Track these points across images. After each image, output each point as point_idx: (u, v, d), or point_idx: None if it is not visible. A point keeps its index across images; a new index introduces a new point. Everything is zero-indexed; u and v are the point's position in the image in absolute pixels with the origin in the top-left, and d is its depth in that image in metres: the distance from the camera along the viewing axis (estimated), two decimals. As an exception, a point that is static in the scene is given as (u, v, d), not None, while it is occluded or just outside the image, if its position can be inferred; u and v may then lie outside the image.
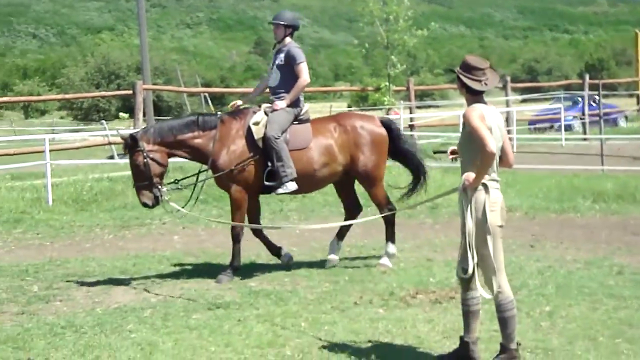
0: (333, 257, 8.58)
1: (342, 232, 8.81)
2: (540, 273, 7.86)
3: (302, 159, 8.16)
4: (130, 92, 17.41)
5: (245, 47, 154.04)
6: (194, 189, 8.27)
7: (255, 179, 8.07)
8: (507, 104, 24.66)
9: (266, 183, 8.07)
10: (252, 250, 9.14)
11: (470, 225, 5.08)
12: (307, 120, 8.43)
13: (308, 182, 8.28)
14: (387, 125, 8.76)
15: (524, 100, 39.16)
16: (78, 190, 13.67)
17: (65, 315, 6.83)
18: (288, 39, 8.46)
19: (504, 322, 5.16)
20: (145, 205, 7.87)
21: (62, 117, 57.64)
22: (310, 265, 8.57)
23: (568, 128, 27.59)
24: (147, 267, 8.76)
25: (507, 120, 23.32)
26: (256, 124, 8.04)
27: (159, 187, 7.82)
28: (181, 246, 9.96)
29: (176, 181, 8.25)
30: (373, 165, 8.49)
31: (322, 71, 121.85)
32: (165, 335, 6.15)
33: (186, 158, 8.31)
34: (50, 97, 35.04)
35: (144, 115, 17.47)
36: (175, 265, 8.84)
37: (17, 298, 7.49)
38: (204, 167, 8.20)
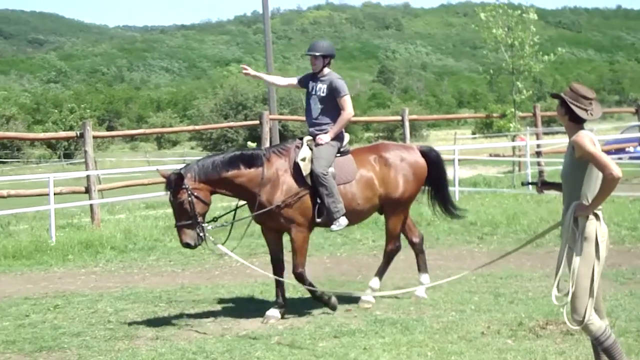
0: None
1: (422, 266, 8.68)
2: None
3: (347, 193, 7.93)
4: (257, 122, 17.84)
5: (369, 76, 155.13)
6: (231, 228, 8.06)
7: (307, 215, 7.83)
8: (641, 129, 23.73)
9: (317, 220, 7.83)
10: (377, 279, 9.12)
11: (577, 254, 4.97)
12: (347, 152, 8.20)
13: (352, 217, 8.00)
14: (427, 153, 8.56)
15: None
16: (208, 218, 14.05)
17: (197, 341, 7.02)
18: (327, 69, 8.22)
19: (609, 352, 5.03)
20: (187, 245, 7.53)
21: (192, 148, 59.61)
22: (436, 293, 8.48)
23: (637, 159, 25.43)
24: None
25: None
26: (303, 159, 7.79)
27: (203, 226, 7.53)
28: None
29: (215, 219, 7.97)
30: (406, 198, 8.29)
31: (445, 98, 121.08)
32: (292, 362, 6.22)
33: (229, 195, 8.03)
34: (182, 128, 36.35)
35: (270, 144, 17.84)
36: (301, 292, 8.94)
37: (151, 323, 7.77)
38: (241, 202, 8.03)
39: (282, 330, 7.29)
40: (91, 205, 14.47)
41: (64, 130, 49.59)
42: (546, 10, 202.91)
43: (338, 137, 8.09)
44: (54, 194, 13.47)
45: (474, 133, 52.95)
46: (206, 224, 7.61)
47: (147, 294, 9.15)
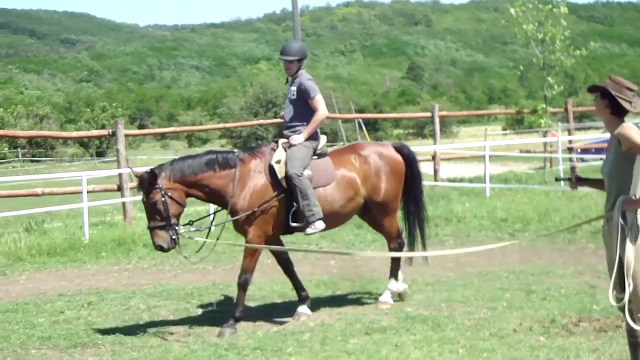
0: (387, 299, 8.07)
1: (394, 271, 8.30)
2: None
3: (327, 195, 7.70)
4: (287, 120, 17.86)
5: (398, 73, 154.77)
6: (208, 232, 7.76)
7: (277, 220, 7.60)
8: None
9: (292, 224, 7.60)
10: (408, 276, 9.13)
11: (629, 250, 4.85)
12: (324, 154, 7.96)
13: (334, 219, 7.84)
14: (400, 149, 8.36)
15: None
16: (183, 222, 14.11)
17: (228, 338, 7.07)
18: (300, 71, 8.00)
19: None
20: (160, 248, 7.28)
21: (222, 145, 59.91)
22: (467, 290, 8.46)
23: None
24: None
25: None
26: (278, 162, 7.57)
27: (176, 228, 7.28)
28: (337, 271, 10.08)
29: (190, 222, 7.67)
30: (392, 195, 8.09)
31: (475, 94, 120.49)
32: (324, 359, 6.24)
33: (201, 199, 7.68)
34: (212, 126, 36.43)
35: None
36: (332, 289, 8.97)
37: (183, 320, 7.83)
38: (219, 207, 7.75)
39: (313, 326, 7.31)
40: (123, 203, 14.60)
41: (96, 129, 50.16)
42: (577, 5, 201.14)
43: (313, 138, 7.87)
44: (87, 192, 13.62)
45: (504, 129, 52.65)
46: (179, 227, 7.35)
47: (179, 290, 9.22)
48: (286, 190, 7.55)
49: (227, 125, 27.06)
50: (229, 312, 7.97)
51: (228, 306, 8.29)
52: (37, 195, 14.04)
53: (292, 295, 8.64)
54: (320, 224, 7.57)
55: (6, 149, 57.26)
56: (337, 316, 7.67)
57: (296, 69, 7.99)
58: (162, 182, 7.21)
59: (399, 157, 8.24)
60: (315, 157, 7.85)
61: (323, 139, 8.05)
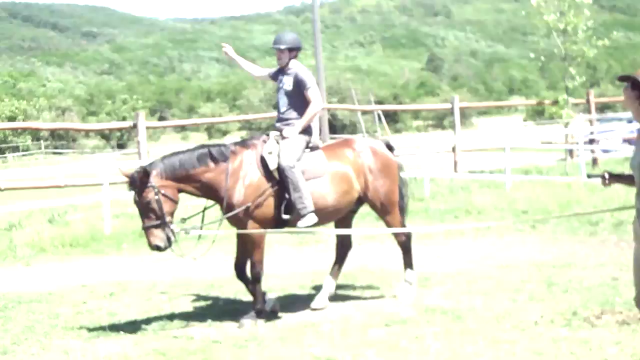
0: (320, 302, 7.85)
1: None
2: None
3: (321, 188, 7.59)
4: (307, 111, 17.86)
5: (417, 64, 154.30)
6: (201, 227, 7.69)
7: (272, 212, 7.48)
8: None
9: (284, 216, 7.45)
10: (426, 268, 9.12)
11: None
12: (317, 147, 7.85)
13: (327, 213, 7.72)
14: (389, 145, 8.28)
15: None
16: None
17: (249, 329, 7.10)
18: (293, 62, 7.88)
19: None
20: (156, 248, 7.12)
21: (241, 137, 60.13)
22: (488, 282, 8.43)
23: None
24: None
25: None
26: (270, 153, 7.45)
27: (171, 226, 7.15)
28: (357, 263, 10.07)
29: (183, 220, 7.56)
30: (388, 191, 7.98)
31: (495, 86, 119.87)
32: (344, 350, 6.25)
33: (194, 194, 7.52)
34: (232, 118, 36.61)
35: (320, 133, 17.87)
36: (351, 281, 8.97)
37: (204, 311, 7.88)
38: (210, 202, 7.67)
39: (333, 318, 7.32)
40: (144, 194, 14.66)
41: (117, 121, 50.47)
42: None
43: (306, 131, 7.77)
44: (109, 183, 13.70)
45: (525, 120, 52.35)
46: (174, 226, 7.22)
47: (199, 282, 9.27)
48: (279, 182, 7.48)
49: (247, 117, 27.18)
50: (250, 303, 8.01)
51: (249, 297, 8.33)
52: (59, 187, 14.15)
53: (312, 287, 8.66)
54: (312, 217, 7.49)
55: (29, 141, 57.77)
56: (357, 308, 7.67)
57: (287, 59, 7.88)
58: (155, 180, 7.07)
59: (390, 153, 8.19)
60: (308, 149, 7.78)
61: (316, 132, 7.98)
